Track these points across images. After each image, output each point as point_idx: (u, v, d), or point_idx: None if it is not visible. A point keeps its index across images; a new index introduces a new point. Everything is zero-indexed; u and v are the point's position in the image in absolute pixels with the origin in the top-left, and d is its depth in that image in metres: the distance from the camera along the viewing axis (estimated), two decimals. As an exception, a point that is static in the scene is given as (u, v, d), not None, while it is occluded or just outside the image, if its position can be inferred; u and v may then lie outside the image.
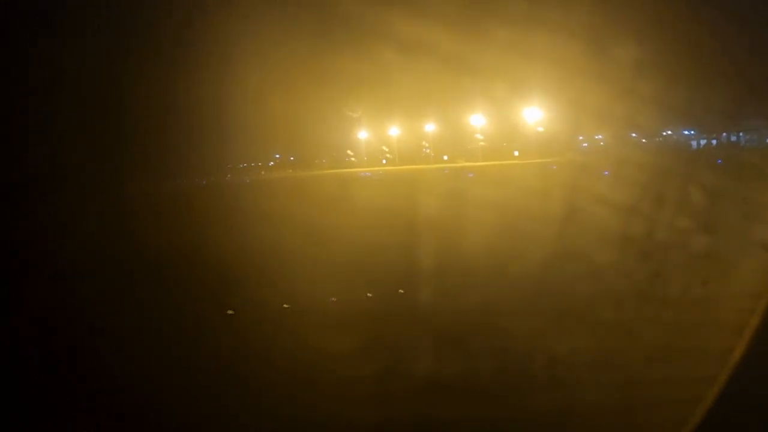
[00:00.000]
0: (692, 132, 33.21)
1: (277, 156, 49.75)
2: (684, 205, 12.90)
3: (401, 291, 8.28)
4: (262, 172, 45.65)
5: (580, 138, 36.71)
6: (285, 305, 8.03)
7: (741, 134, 30.83)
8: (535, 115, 34.98)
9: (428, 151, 40.51)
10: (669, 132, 36.49)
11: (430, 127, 41.56)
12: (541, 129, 35.92)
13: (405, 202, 15.97)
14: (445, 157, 40.94)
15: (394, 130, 42.36)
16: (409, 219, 12.89)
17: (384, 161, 43.00)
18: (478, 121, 38.48)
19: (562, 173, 21.15)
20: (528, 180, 19.88)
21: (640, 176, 19.36)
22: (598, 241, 9.49)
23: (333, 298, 8.12)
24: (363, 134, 43.21)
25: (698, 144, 31.66)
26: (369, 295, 8.33)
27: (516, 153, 37.33)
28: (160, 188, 32.98)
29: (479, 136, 37.30)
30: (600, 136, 35.52)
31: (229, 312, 8.09)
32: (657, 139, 33.54)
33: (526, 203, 13.40)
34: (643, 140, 36.81)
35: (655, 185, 15.59)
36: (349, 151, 42.97)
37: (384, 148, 42.19)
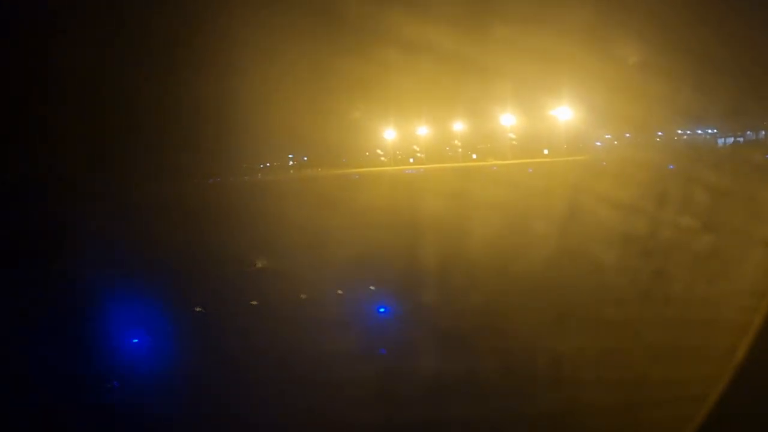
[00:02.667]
0: (714, 131, 35.12)
1: (291, 156, 50.35)
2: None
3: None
4: (291, 171, 46.37)
5: (608, 137, 38.52)
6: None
7: (763, 132, 32.71)
8: (560, 115, 36.59)
9: (459, 150, 41.75)
10: (688, 131, 38.43)
11: (455, 128, 42.86)
12: (566, 129, 37.59)
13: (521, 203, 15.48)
14: (474, 156, 42.33)
15: (421, 131, 43.45)
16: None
17: (411, 160, 44.06)
18: (505, 121, 40.02)
19: (627, 169, 22.20)
20: (604, 176, 20.99)
21: (704, 170, 20.53)
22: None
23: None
24: (390, 134, 44.17)
25: (725, 142, 33.43)
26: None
27: (546, 151, 38.95)
28: (211, 185, 33.92)
29: (512, 135, 38.83)
30: (628, 135, 37.33)
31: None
32: (684, 137, 35.42)
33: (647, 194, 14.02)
34: (658, 139, 38.71)
35: (730, 178, 16.79)
36: (378, 150, 43.92)
37: (415, 147, 43.36)
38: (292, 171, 46.37)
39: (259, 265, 11.21)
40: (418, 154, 43.29)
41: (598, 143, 39.94)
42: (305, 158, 49.34)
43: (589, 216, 12.08)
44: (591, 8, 25.73)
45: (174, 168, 36.24)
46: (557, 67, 29.77)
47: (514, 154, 39.39)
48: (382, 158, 43.72)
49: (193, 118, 34.07)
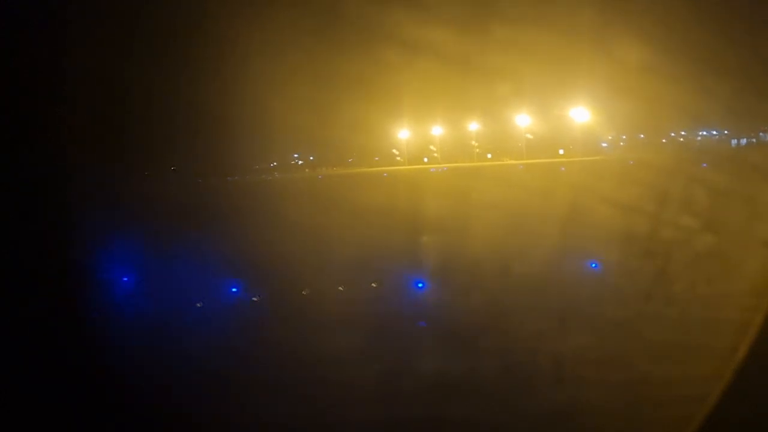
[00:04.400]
0: (726, 132, 36.31)
1: (296, 155, 50.51)
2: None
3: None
4: (306, 170, 46.64)
5: (623, 137, 39.63)
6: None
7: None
8: (576, 116, 37.46)
9: (477, 150, 42.58)
10: (700, 133, 39.51)
11: (470, 128, 43.57)
12: (580, 130, 38.54)
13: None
14: (489, 155, 43.17)
15: (436, 130, 44.04)
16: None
17: (426, 159, 44.63)
18: (520, 121, 40.85)
19: (664, 168, 22.88)
20: (645, 175, 21.69)
21: (738, 167, 21.35)
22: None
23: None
24: (404, 134, 44.60)
25: (738, 143, 34.55)
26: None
27: (561, 151, 39.89)
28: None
29: (529, 136, 39.75)
30: (642, 136, 38.53)
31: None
32: (697, 138, 36.60)
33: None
34: (663, 140, 39.82)
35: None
36: (394, 150, 44.44)
37: (431, 147, 44.05)
38: (307, 170, 46.73)
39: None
40: (435, 154, 44.02)
41: (604, 144, 41.06)
42: (311, 158, 49.76)
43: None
44: (610, 11, 26.70)
45: (177, 169, 37.13)
46: (572, 70, 30.67)
47: (529, 154, 40.33)
48: (398, 158, 44.32)
49: (199, 118, 34.61)
